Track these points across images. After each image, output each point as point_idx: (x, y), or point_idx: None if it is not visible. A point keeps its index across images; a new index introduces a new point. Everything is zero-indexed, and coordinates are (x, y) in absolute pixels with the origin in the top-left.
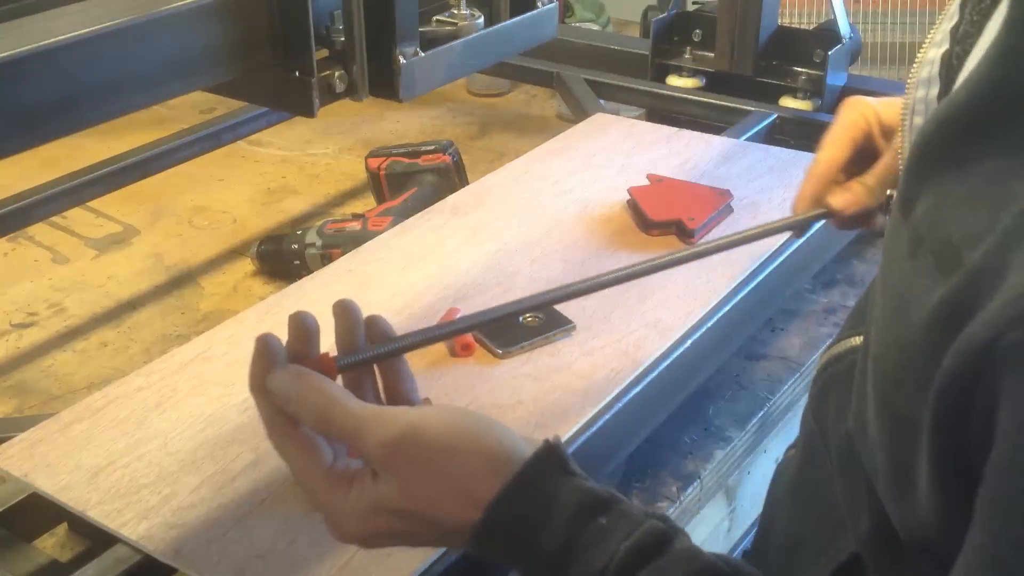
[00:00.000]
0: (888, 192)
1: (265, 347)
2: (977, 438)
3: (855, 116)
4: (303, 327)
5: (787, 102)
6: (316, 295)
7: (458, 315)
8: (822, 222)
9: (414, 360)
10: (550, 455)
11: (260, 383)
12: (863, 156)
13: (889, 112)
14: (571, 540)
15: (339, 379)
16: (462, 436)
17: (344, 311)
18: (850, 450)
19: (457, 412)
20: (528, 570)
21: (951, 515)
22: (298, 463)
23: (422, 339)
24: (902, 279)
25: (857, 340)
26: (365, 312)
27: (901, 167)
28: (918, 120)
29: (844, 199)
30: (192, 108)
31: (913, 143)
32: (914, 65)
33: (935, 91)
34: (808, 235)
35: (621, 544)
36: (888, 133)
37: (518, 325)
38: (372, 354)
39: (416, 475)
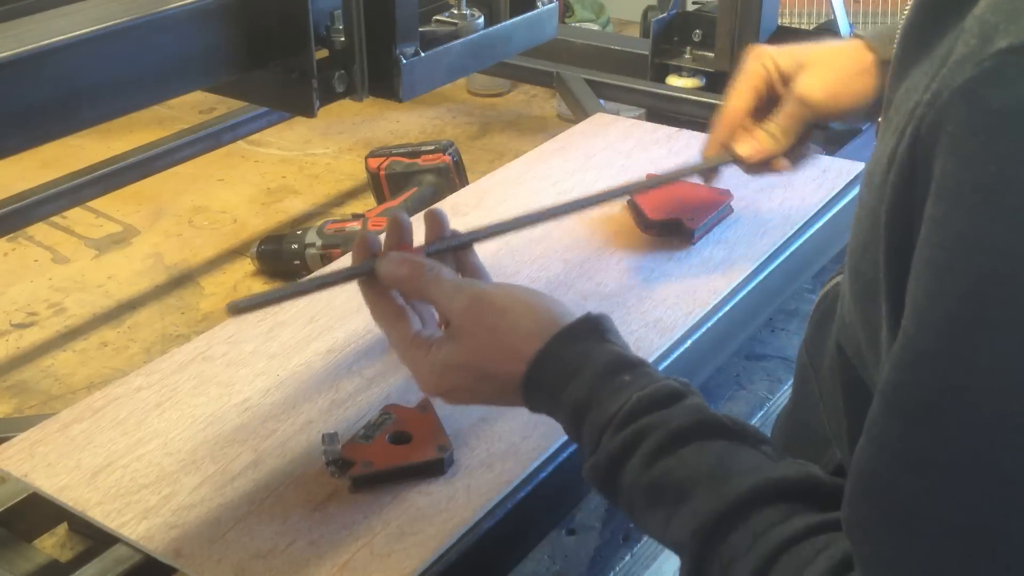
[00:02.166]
0: (879, 119)
1: (363, 241)
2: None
3: (756, 66)
4: (398, 225)
5: None
6: (316, 295)
7: None
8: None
9: None
10: (590, 322)
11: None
12: (767, 101)
13: (786, 60)
14: (595, 390)
15: None
16: (518, 301)
17: (433, 217)
18: (833, 367)
19: (521, 287)
20: (562, 418)
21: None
22: (392, 329)
23: (495, 231)
24: (873, 159)
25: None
26: (365, 311)
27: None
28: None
29: (749, 146)
30: (192, 108)
31: (896, 42)
32: None
33: None
34: (808, 235)
35: (635, 394)
36: (786, 80)
37: None
38: (450, 243)
39: (477, 332)
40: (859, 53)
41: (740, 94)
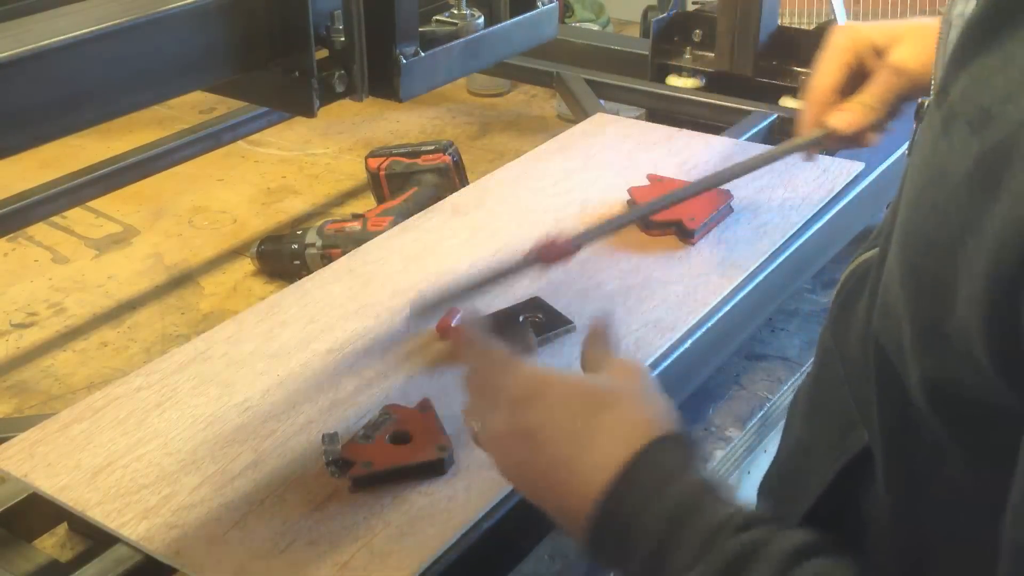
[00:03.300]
0: (920, 100)
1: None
2: None
3: (845, 40)
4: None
5: (787, 102)
6: (316, 295)
7: (458, 315)
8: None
9: (413, 360)
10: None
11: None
12: (856, 78)
13: (881, 34)
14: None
15: None
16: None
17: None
18: (867, 356)
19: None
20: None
21: (994, 363)
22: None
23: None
24: (934, 155)
25: (872, 252)
26: (365, 312)
27: (939, 68)
28: (954, 34)
29: (844, 119)
30: (192, 108)
31: (961, 29)
32: None
33: (971, 6)
34: (808, 235)
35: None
36: (880, 53)
37: (518, 325)
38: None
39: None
40: None
41: (830, 69)
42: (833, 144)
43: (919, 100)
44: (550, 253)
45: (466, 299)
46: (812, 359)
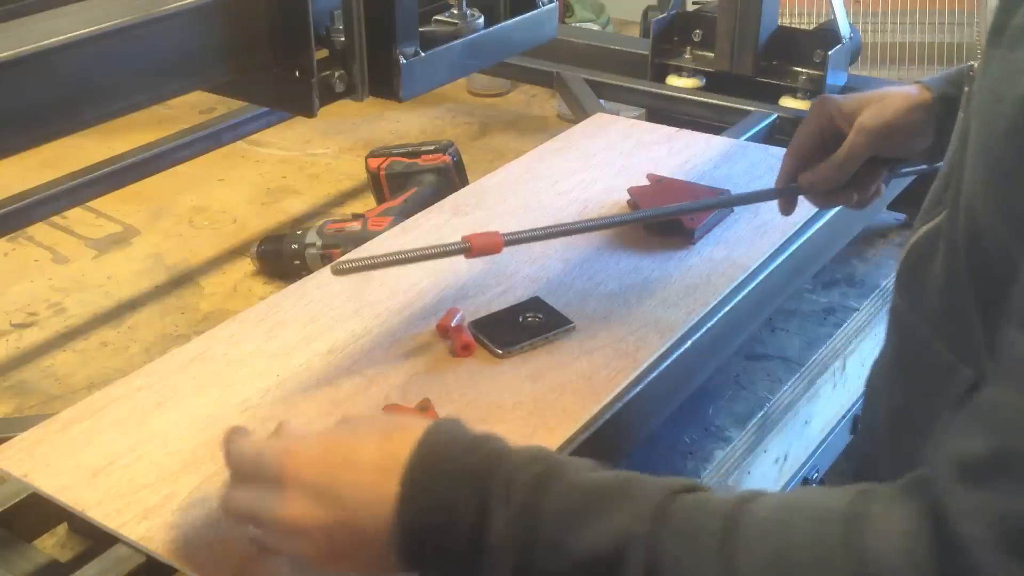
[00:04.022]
0: (970, 63)
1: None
2: None
3: (820, 109)
4: None
5: (787, 102)
6: (316, 295)
7: (458, 315)
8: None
9: (413, 360)
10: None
11: None
12: (832, 142)
13: (849, 102)
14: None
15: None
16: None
17: None
18: (947, 299)
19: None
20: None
21: None
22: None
23: (580, 227)
24: (1004, 72)
25: (931, 224)
26: (365, 312)
27: (988, 20)
28: (993, 2)
29: (807, 177)
30: (192, 108)
31: None
32: None
33: None
34: (808, 235)
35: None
36: (848, 120)
37: (518, 325)
38: (534, 234)
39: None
40: (916, 92)
41: (805, 133)
42: (812, 199)
43: (965, 89)
44: (477, 244)
45: (386, 266)
46: (884, 331)
